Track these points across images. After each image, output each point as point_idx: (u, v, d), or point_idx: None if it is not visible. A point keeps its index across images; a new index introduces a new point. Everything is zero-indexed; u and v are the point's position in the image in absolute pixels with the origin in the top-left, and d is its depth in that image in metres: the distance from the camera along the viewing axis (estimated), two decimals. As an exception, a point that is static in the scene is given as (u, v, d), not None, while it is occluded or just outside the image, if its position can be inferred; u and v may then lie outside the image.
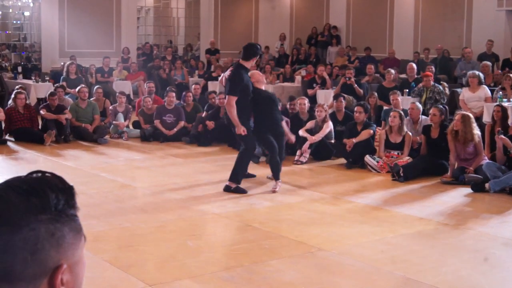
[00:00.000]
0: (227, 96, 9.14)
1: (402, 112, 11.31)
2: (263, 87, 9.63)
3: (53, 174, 1.43)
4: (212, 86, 18.32)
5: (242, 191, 9.20)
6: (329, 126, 11.92)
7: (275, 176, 9.49)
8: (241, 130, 9.08)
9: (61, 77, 17.64)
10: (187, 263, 6.19)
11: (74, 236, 1.42)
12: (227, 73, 9.51)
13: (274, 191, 9.29)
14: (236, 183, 9.27)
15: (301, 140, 11.75)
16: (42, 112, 13.86)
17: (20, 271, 1.33)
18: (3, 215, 1.34)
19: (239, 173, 9.33)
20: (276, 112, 9.62)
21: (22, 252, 1.33)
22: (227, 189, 9.24)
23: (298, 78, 18.94)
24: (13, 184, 1.38)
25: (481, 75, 14.19)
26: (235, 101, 9.02)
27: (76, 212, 1.44)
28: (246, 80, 9.17)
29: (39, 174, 1.42)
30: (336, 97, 13.04)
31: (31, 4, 24.14)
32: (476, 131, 10.12)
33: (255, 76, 9.58)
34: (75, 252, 1.42)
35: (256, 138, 9.51)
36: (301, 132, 11.91)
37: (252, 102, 9.30)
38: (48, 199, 1.37)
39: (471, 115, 10.46)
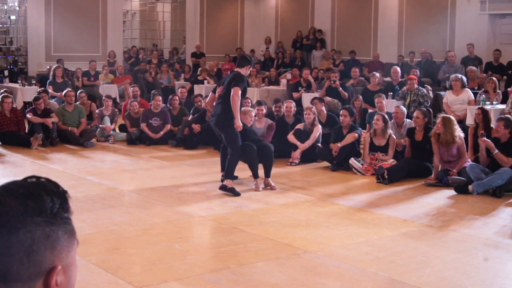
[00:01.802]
0: (233, 88, 9.40)
1: (386, 115, 11.41)
2: None
3: (48, 179, 1.48)
4: (198, 89, 18.38)
5: (236, 193, 9.37)
6: (318, 130, 12.01)
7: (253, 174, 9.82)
8: (239, 123, 9.38)
9: (48, 81, 17.62)
10: (173, 265, 6.25)
11: (68, 239, 1.48)
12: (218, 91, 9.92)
13: (257, 189, 9.65)
14: (230, 179, 9.55)
15: (293, 144, 11.96)
16: (28, 115, 13.87)
17: (16, 272, 1.38)
18: (1, 217, 1.38)
19: (231, 170, 9.62)
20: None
21: (18, 253, 1.38)
22: (223, 188, 9.46)
23: (283, 81, 19.02)
24: (10, 188, 1.43)
25: (464, 78, 14.33)
26: (240, 92, 9.38)
27: (70, 216, 1.50)
28: (245, 82, 9.71)
29: (34, 179, 1.47)
30: (311, 101, 13.10)
31: (17, 8, 24.06)
32: (458, 133, 10.25)
33: None
34: (69, 254, 1.48)
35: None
36: (290, 138, 12.01)
37: None
38: (44, 202, 1.42)
39: (452, 117, 10.58)
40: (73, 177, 10.55)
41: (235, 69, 9.86)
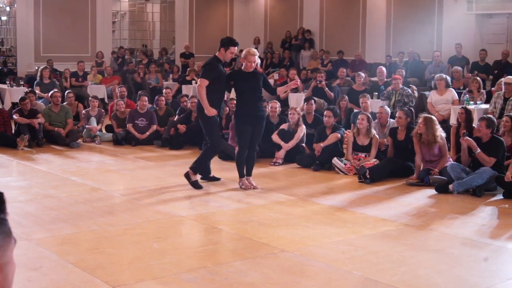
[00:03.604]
0: (199, 80, 9.52)
1: (370, 115, 11.48)
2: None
3: (-16, 181, 1.55)
4: (186, 89, 18.45)
5: (198, 187, 9.66)
6: (302, 130, 12.08)
7: (239, 173, 9.88)
8: (211, 112, 9.41)
9: (35, 82, 17.66)
10: (151, 265, 6.30)
11: (4, 239, 1.53)
12: None
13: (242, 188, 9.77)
14: (195, 173, 9.77)
15: (277, 144, 12.03)
16: (15, 116, 13.91)
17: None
18: None
19: (200, 165, 9.81)
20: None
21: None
22: (187, 176, 9.72)
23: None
24: None
25: (448, 78, 14.41)
26: (206, 84, 9.41)
27: (6, 217, 1.56)
28: (220, 69, 9.62)
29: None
30: (307, 99, 13.22)
31: (8, 9, 24.08)
32: (439, 133, 10.31)
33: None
34: (5, 254, 1.53)
35: (234, 127, 10.06)
36: (275, 138, 12.08)
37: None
38: (-21, 204, 1.49)
39: (433, 117, 10.65)
40: (57, 178, 10.59)
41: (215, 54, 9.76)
